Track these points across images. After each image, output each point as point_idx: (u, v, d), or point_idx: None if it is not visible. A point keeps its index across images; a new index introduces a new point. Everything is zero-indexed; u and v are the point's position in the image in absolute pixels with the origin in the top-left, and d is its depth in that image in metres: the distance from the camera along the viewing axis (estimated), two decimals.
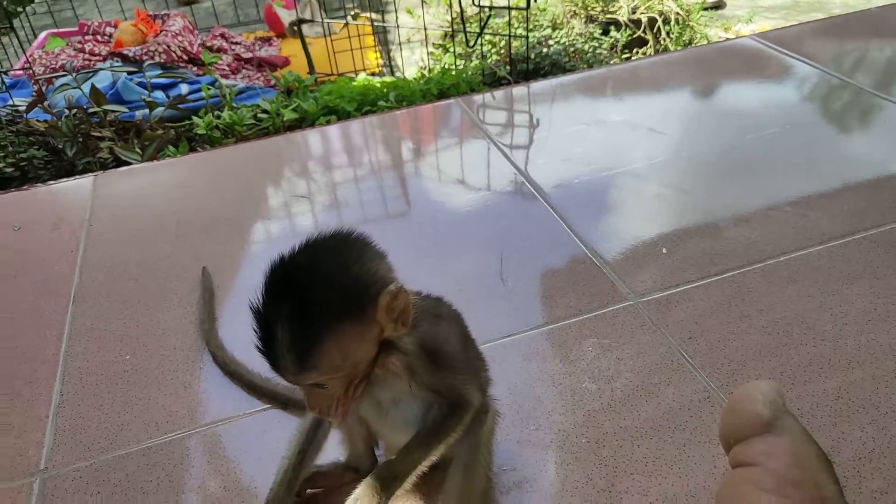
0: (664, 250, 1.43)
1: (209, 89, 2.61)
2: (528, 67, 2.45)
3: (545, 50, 2.52)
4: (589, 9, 3.28)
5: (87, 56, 3.36)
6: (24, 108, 2.38)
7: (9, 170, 2.16)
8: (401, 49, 3.12)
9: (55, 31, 3.77)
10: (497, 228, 1.55)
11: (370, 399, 0.83)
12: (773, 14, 4.35)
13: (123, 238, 1.65)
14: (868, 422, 1.03)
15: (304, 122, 2.23)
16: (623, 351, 1.19)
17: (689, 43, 3.36)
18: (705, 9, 3.81)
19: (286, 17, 3.54)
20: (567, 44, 2.63)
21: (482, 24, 2.47)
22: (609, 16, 3.28)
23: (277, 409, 1.14)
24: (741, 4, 4.49)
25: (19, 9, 4.79)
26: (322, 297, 0.67)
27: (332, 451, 0.98)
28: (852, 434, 1.01)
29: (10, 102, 2.50)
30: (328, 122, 2.18)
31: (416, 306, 0.74)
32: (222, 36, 3.70)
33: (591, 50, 2.64)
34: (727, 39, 3.01)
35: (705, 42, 3.30)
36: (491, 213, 1.61)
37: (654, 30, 3.34)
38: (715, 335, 1.21)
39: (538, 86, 2.29)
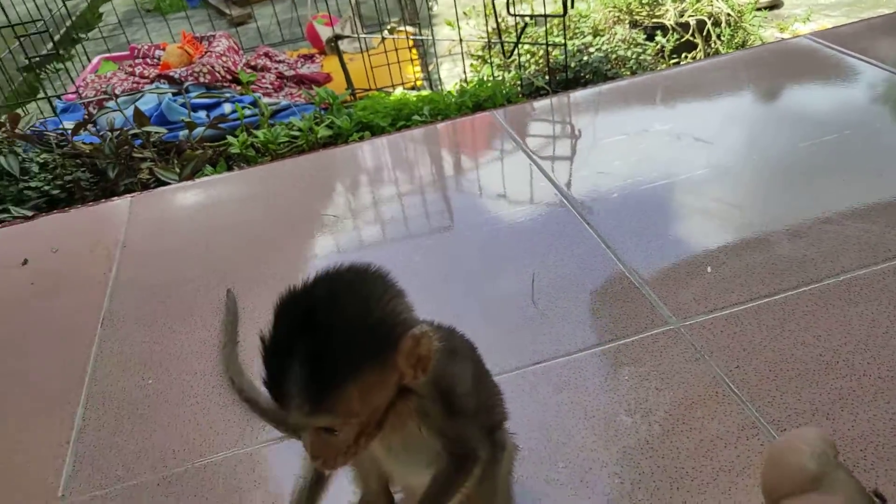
0: (709, 269, 1.33)
1: (247, 108, 2.62)
2: (567, 76, 2.37)
3: (585, 58, 2.44)
4: (634, 13, 3.17)
5: (136, 79, 3.45)
6: (71, 131, 2.44)
7: (55, 191, 2.21)
8: (436, 63, 3.09)
9: (108, 55, 3.89)
10: (530, 245, 1.48)
11: (380, 442, 0.77)
12: (833, 11, 4.13)
13: (154, 259, 1.64)
14: None
15: (339, 138, 2.21)
16: (662, 380, 1.10)
17: (743, 45, 3.21)
18: (759, 9, 3.64)
19: (325, 33, 3.56)
20: (609, 50, 2.54)
21: (518, 34, 2.40)
22: (655, 20, 3.16)
23: (295, 438, 1.10)
24: (799, 3, 4.29)
25: (83, 35, 5.00)
26: (345, 339, 0.62)
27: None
28: None
29: (61, 126, 2.57)
30: (362, 138, 2.15)
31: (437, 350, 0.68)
32: (266, 55, 3.74)
33: (634, 56, 2.54)
34: (782, 40, 2.86)
35: (759, 44, 3.14)
36: (525, 229, 1.54)
37: (704, 33, 3.20)
38: (765, 363, 1.10)
39: (578, 95, 2.21)
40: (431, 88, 2.91)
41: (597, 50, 2.55)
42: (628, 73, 2.53)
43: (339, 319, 0.63)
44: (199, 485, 1.04)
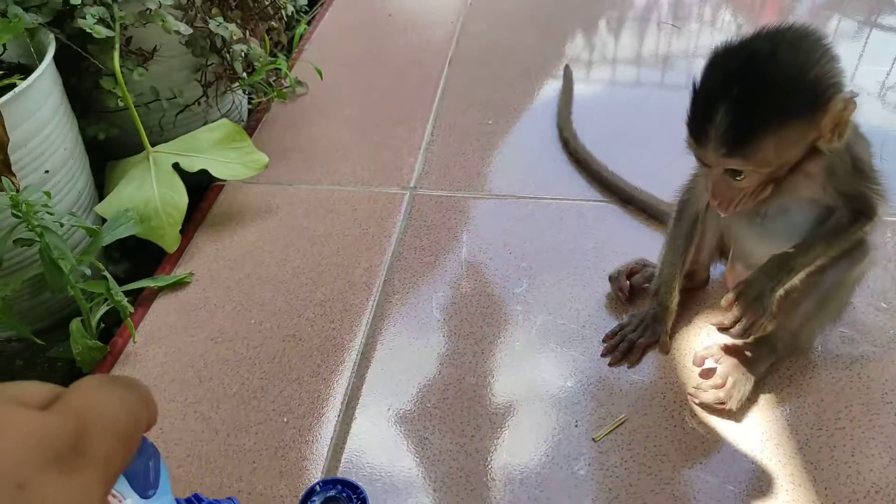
0: None
1: None
2: None
3: None
4: None
5: None
6: None
7: None
8: None
9: None
10: None
11: (759, 206, 0.81)
12: None
13: (497, 20, 1.73)
14: None
15: None
16: None
17: None
18: None
19: None
20: None
21: None
22: None
23: (616, 204, 1.18)
24: None
25: None
26: (778, 90, 0.65)
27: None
28: None
29: None
30: None
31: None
32: None
33: None
34: None
35: None
36: None
37: None
38: None
39: None
40: None
41: None
42: None
43: (777, 71, 0.65)
44: (525, 215, 1.18)
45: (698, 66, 0.71)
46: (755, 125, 0.66)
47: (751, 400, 0.86)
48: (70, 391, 0.24)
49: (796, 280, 0.77)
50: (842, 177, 0.72)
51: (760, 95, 0.65)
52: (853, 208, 0.75)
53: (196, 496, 0.61)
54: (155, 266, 1.13)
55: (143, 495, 0.52)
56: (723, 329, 0.76)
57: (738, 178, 0.71)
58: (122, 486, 0.50)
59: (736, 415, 0.85)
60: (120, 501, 0.49)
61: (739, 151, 0.68)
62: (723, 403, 0.84)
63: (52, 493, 0.20)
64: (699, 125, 0.69)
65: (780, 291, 0.76)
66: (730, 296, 0.75)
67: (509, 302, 1.02)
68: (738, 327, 0.75)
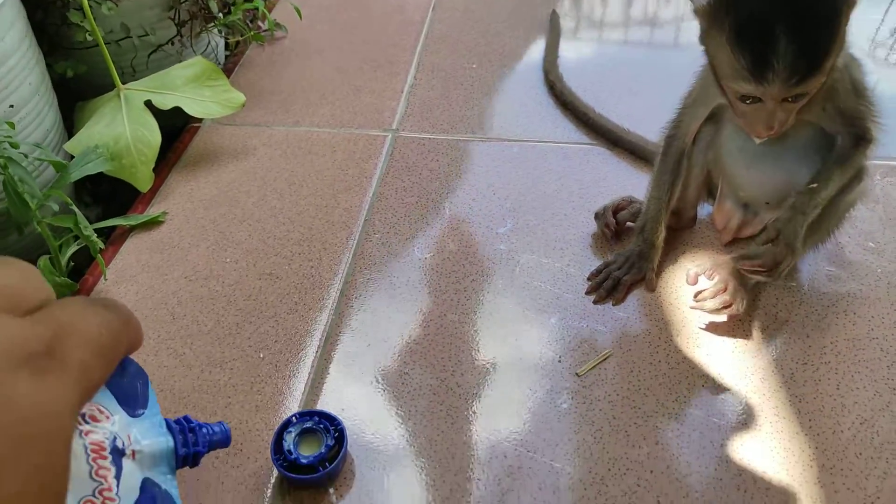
0: None
1: None
2: None
3: None
4: None
5: None
6: None
7: None
8: None
9: None
10: None
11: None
12: None
13: None
14: None
15: None
16: None
17: None
18: None
19: None
20: None
21: None
22: None
23: (603, 146, 1.15)
24: None
25: None
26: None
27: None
28: None
29: None
30: None
31: None
32: None
33: None
34: None
35: None
36: None
37: None
38: None
39: None
40: None
41: None
42: None
43: None
44: (510, 157, 1.15)
45: (689, 18, 0.69)
46: (821, 41, 0.65)
47: (736, 335, 0.85)
48: (54, 305, 0.24)
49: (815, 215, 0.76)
50: (842, 95, 0.73)
51: (813, 8, 0.64)
52: (853, 133, 0.74)
53: (186, 418, 0.59)
54: (127, 211, 1.09)
55: (132, 414, 0.50)
56: (758, 272, 0.77)
57: (791, 101, 0.69)
58: (111, 404, 0.48)
59: (722, 351, 0.84)
60: (108, 418, 0.47)
61: (812, 72, 0.66)
62: (729, 305, 0.83)
63: (22, 391, 0.21)
64: (762, 63, 0.66)
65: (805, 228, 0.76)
66: (764, 236, 0.75)
67: (493, 241, 0.99)
68: (776, 270, 0.75)
